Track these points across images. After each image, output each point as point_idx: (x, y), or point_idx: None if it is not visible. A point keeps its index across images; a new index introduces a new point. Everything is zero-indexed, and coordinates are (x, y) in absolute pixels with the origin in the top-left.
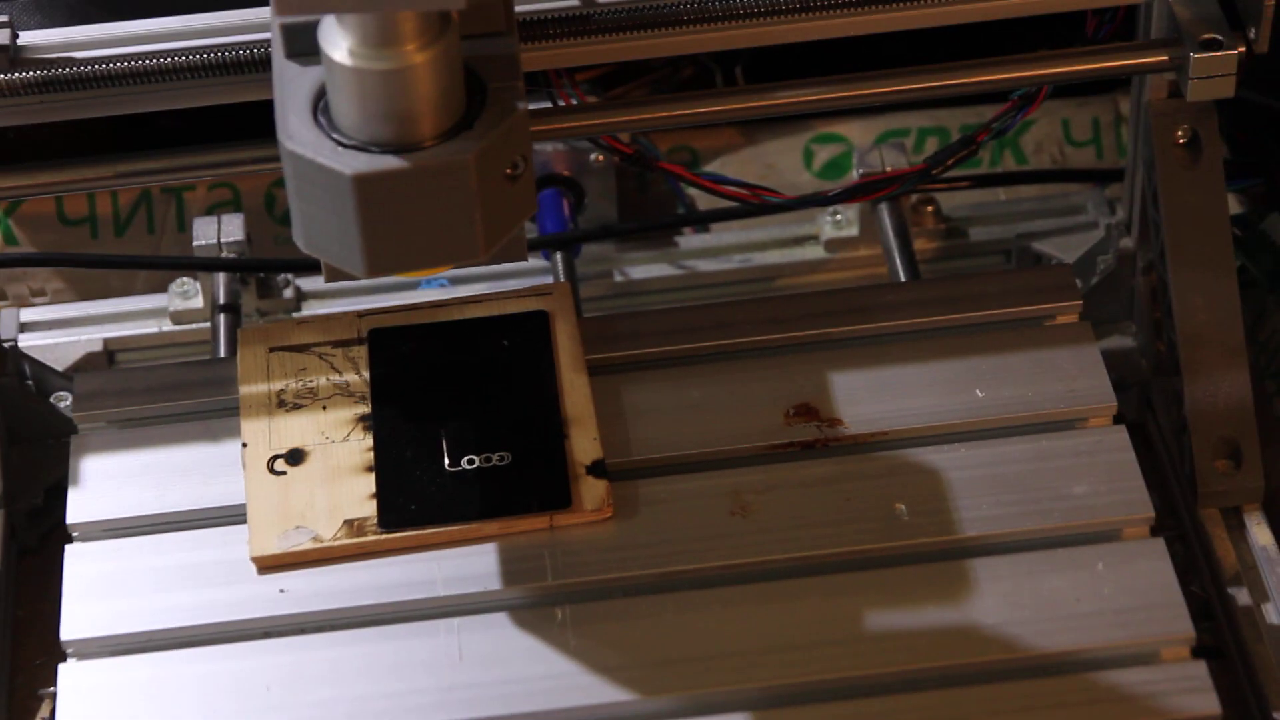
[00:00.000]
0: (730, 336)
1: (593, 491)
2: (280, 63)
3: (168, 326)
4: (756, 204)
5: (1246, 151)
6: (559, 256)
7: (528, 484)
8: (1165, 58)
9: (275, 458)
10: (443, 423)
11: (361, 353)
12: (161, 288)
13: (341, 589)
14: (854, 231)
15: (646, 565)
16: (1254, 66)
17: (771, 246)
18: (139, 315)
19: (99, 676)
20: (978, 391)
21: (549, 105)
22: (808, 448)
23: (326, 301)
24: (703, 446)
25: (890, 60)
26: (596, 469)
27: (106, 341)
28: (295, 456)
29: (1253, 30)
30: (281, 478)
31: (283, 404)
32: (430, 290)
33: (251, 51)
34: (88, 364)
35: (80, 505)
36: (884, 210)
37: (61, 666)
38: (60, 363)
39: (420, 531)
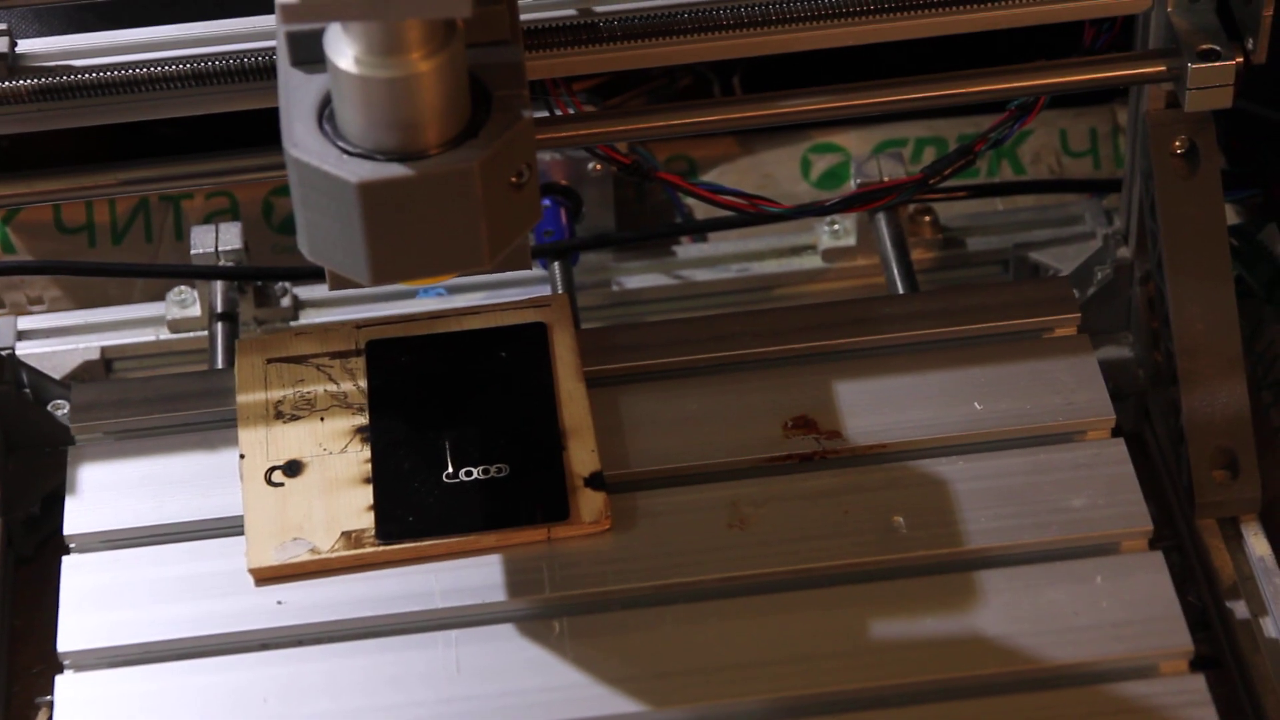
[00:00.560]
0: (728, 348)
1: (591, 503)
2: (286, 71)
3: (165, 335)
4: (754, 213)
5: (1244, 162)
6: (556, 265)
7: (526, 496)
8: (1163, 68)
9: (273, 469)
10: (441, 434)
11: (359, 364)
12: (159, 296)
13: (339, 601)
14: (851, 241)
15: (644, 577)
16: (1252, 77)
17: (769, 256)
18: (136, 323)
19: (96, 688)
20: (976, 404)
21: (546, 114)
22: (806, 460)
23: (324, 310)
24: (701, 459)
25: (888, 70)
26: (594, 481)
27: (104, 350)
28: (293, 468)
29: (1250, 41)
30: (279, 489)
31: (280, 415)
32: (428, 299)
33: (249, 60)
34: (85, 372)
35: (77, 516)
36: (881, 220)
37: (59, 678)
38: (58, 371)
39: (418, 543)
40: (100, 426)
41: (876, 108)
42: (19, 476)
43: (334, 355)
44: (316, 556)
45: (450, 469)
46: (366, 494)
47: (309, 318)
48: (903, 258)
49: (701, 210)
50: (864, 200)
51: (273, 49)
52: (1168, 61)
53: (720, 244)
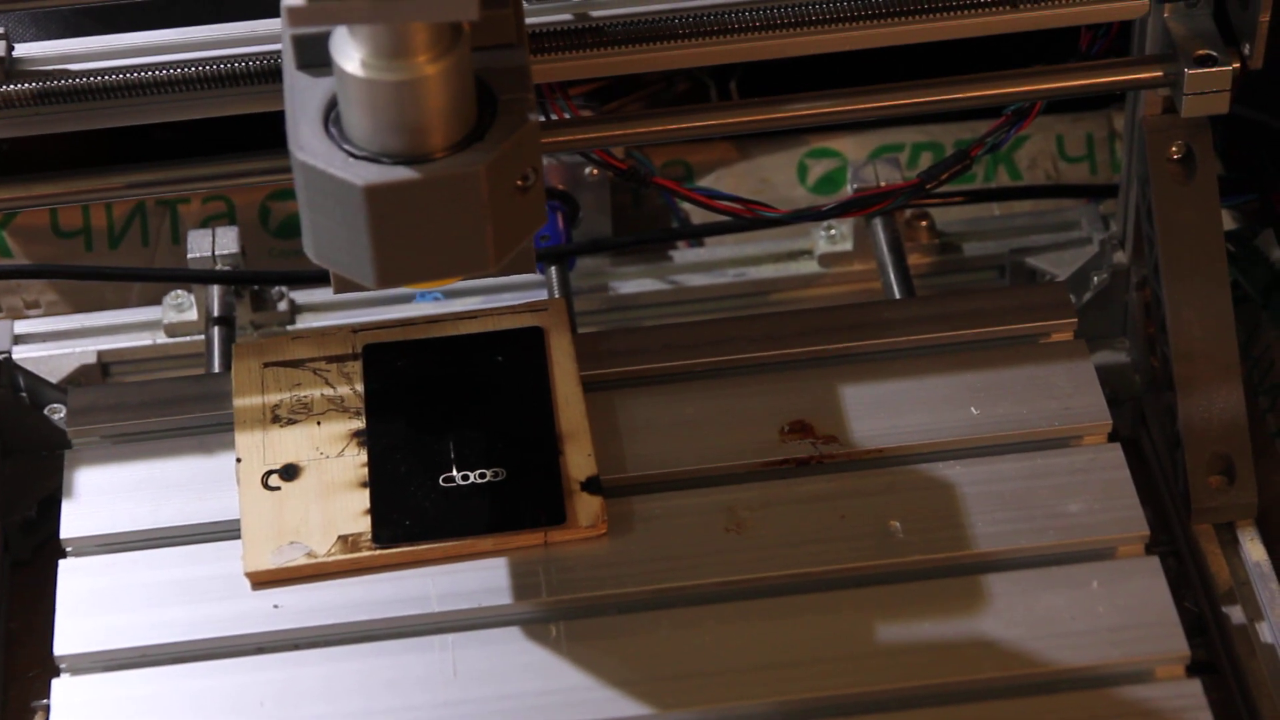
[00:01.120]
0: (725, 353)
1: (587, 508)
2: (291, 74)
3: (162, 339)
4: (751, 218)
5: (1240, 167)
6: (553, 270)
7: (522, 500)
8: (1160, 73)
9: (269, 473)
10: (437, 438)
11: (356, 368)
12: (156, 300)
13: (336, 605)
14: (848, 246)
15: (641, 581)
16: (1248, 83)
17: (765, 261)
18: (133, 328)
19: (93, 692)
20: (973, 409)
21: (543, 119)
22: (803, 464)
23: (321, 314)
24: (698, 463)
25: (885, 75)
26: (591, 485)
27: (100, 354)
28: (290, 472)
29: (1247, 46)
30: (276, 493)
31: (277, 419)
32: (425, 303)
33: (246, 64)
34: (82, 376)
35: (74, 520)
36: (878, 225)
37: (55, 682)
38: (54, 375)
39: (415, 547)
40: (97, 430)
41: (873, 113)
42: (15, 480)
43: (331, 359)
44: (313, 560)
45: (447, 473)
46: (363, 498)
47: (306, 322)
48: (899, 263)
49: (698, 215)
50: (860, 205)
51: (270, 53)
52: (1164, 67)
53: (717, 249)
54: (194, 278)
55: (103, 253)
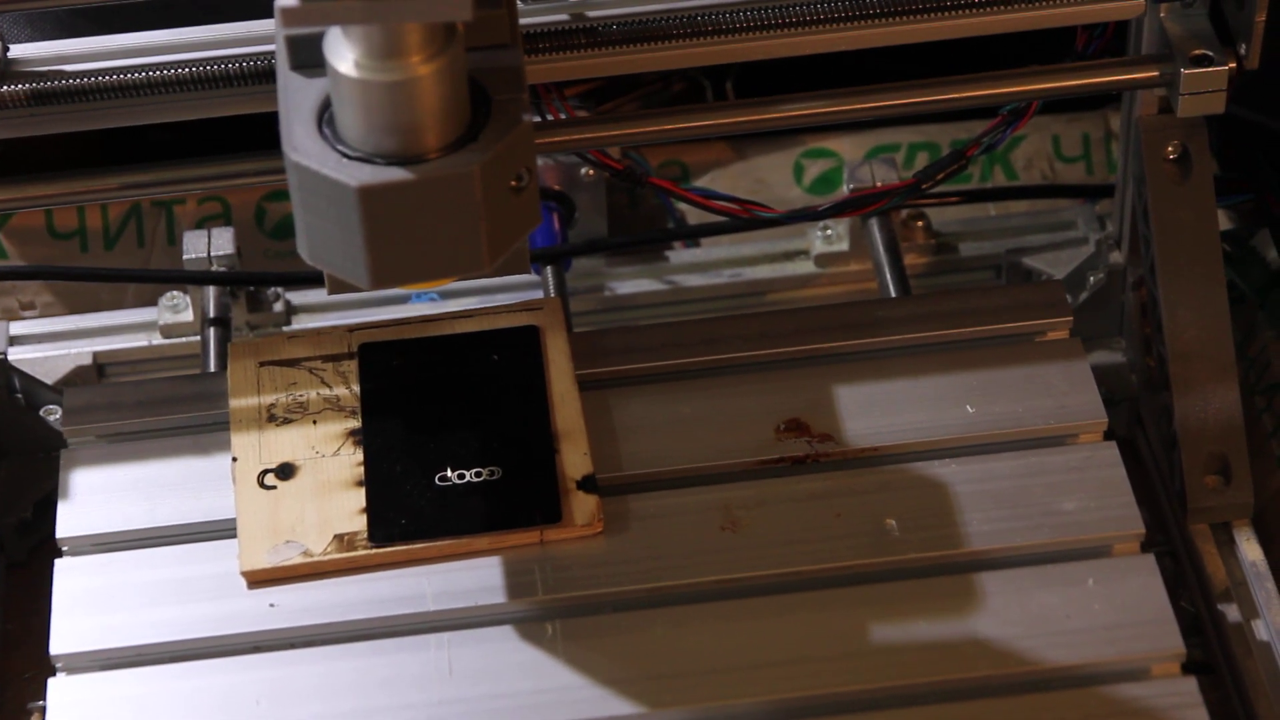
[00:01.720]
0: (721, 351)
1: (583, 506)
2: (285, 74)
3: (157, 340)
4: (747, 219)
5: (1236, 167)
6: (549, 271)
7: (518, 499)
8: (1156, 73)
9: (265, 472)
10: (433, 437)
11: (352, 367)
12: (151, 301)
13: (331, 603)
14: (844, 246)
15: (637, 580)
16: (1244, 82)
17: (762, 261)
18: (128, 329)
19: (88, 691)
20: (968, 407)
21: (539, 119)
22: (798, 463)
23: (316, 315)
24: (693, 462)
25: (881, 75)
26: (587, 484)
27: (96, 355)
28: (285, 471)
29: (1243, 46)
30: (271, 492)
31: (273, 418)
32: (421, 304)
33: (241, 65)
34: (77, 377)
35: (70, 520)
36: (874, 225)
37: (51, 681)
38: (50, 376)
39: (410, 546)
40: (92, 430)
41: (869, 113)
42: (11, 481)
43: (326, 358)
44: (309, 559)
45: (443, 472)
46: (359, 497)
47: (301, 323)
48: (895, 263)
49: (694, 215)
50: (857, 205)
51: (265, 54)
52: (1160, 67)
53: (713, 249)
54: (189, 279)
55: (98, 254)
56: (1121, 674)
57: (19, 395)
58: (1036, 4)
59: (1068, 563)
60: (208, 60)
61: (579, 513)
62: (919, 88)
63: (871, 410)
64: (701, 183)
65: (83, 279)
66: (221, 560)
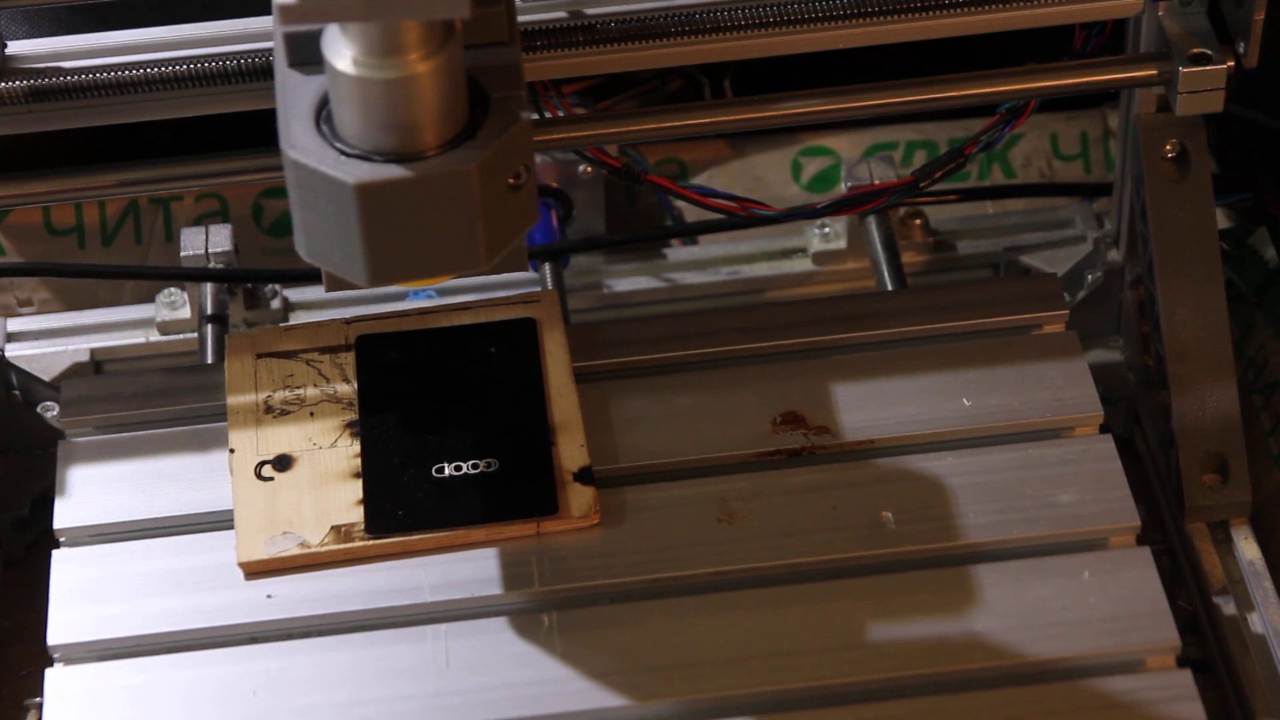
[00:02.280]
0: (718, 344)
1: (580, 498)
2: (283, 72)
3: (155, 337)
4: (744, 216)
5: (1234, 166)
6: (547, 268)
7: (515, 490)
8: (1154, 72)
9: (263, 464)
10: (430, 429)
11: (349, 359)
12: (149, 298)
13: (328, 594)
14: (842, 244)
15: (633, 572)
16: (1242, 81)
17: (759, 259)
18: (126, 325)
19: (86, 681)
20: (964, 400)
21: (536, 117)
22: (795, 455)
23: (314, 312)
24: (690, 454)
25: (879, 73)
26: (584, 476)
27: (93, 352)
28: (283, 462)
29: (1241, 45)
30: (269, 483)
31: (270, 410)
32: (418, 302)
33: (239, 62)
34: (74, 374)
35: (67, 510)
36: (872, 223)
37: (48, 671)
38: (47, 373)
39: (407, 537)
40: (90, 421)
41: (867, 111)
42: (9, 478)
43: (324, 350)
44: (306, 550)
45: (440, 464)
46: (356, 488)
47: (299, 320)
48: (893, 261)
49: (692, 213)
50: (854, 203)
51: (263, 51)
52: (1159, 65)
53: (711, 247)
54: (187, 276)
55: (96, 251)
56: (1117, 666)
57: (16, 392)
58: (1034, 2)
59: (1063, 555)
60: (205, 57)
61: (575, 505)
62: (917, 86)
63: (868, 403)
64: (699, 180)
65: (80, 276)
66: (219, 551)
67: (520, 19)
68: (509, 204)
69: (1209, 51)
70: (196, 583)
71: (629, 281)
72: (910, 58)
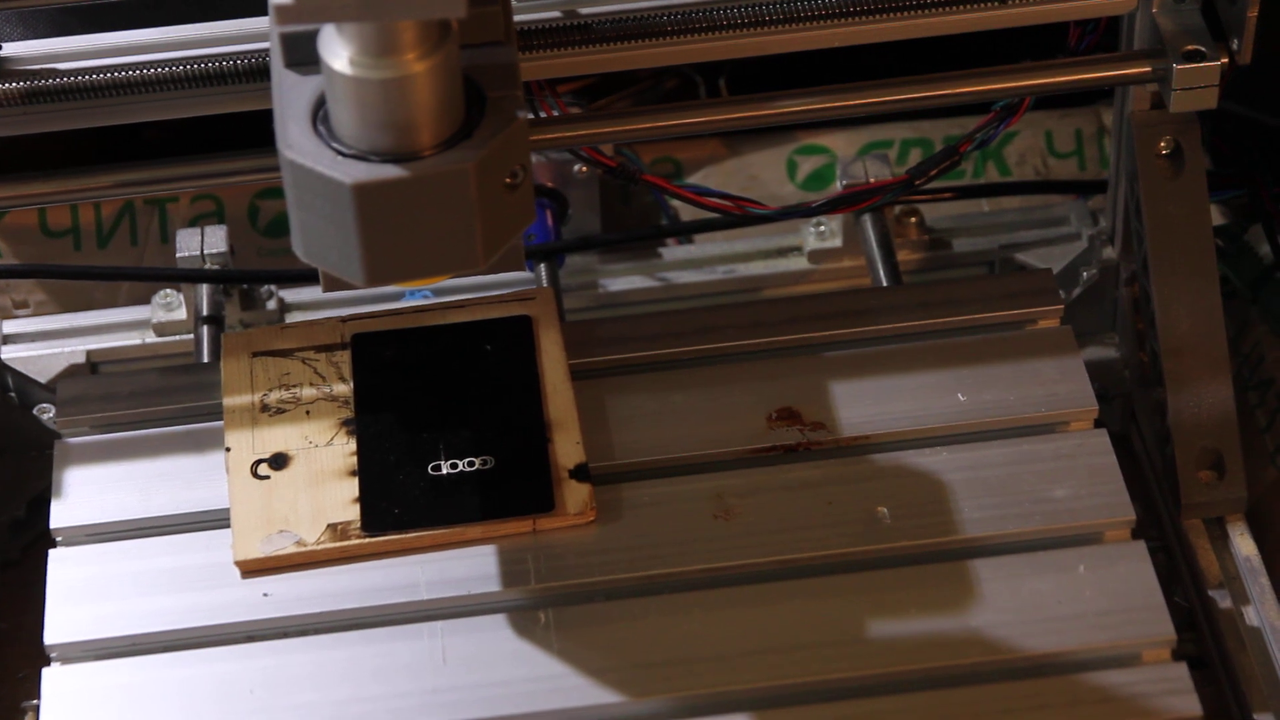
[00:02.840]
0: (713, 341)
1: (576, 495)
2: (279, 72)
3: (151, 338)
4: (740, 215)
5: (1229, 163)
6: (542, 267)
7: (511, 488)
8: (1148, 69)
9: (259, 462)
10: (426, 427)
11: (345, 357)
12: (144, 299)
13: (325, 592)
14: (837, 243)
15: (630, 568)
16: (1236, 78)
17: (755, 258)
18: (122, 327)
19: (83, 680)
20: (959, 395)
21: (531, 116)
22: (790, 451)
23: (309, 313)
24: (686, 450)
25: (874, 72)
26: (580, 473)
27: (89, 353)
28: (279, 461)
29: (1235, 41)
30: (265, 482)
31: (266, 408)
32: (414, 301)
33: (234, 63)
34: (70, 376)
35: (64, 510)
36: (867, 221)
37: (45, 671)
38: (43, 375)
39: (403, 535)
40: (86, 420)
41: (862, 109)
42: (4, 480)
43: (320, 349)
44: (302, 549)
45: (436, 461)
46: (352, 486)
47: (295, 320)
48: (888, 259)
49: (687, 212)
50: (850, 202)
51: (258, 52)
52: (1153, 62)
53: (706, 246)
54: (183, 277)
55: (91, 252)
56: (1113, 660)
57: (12, 394)
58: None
59: (1059, 550)
60: (201, 58)
61: (571, 502)
62: (912, 84)
63: (863, 398)
64: (695, 179)
65: (76, 277)
66: (215, 550)
67: (516, 18)
68: (506, 203)
69: (1203, 48)
70: (193, 581)
71: (625, 281)
72: (905, 56)
